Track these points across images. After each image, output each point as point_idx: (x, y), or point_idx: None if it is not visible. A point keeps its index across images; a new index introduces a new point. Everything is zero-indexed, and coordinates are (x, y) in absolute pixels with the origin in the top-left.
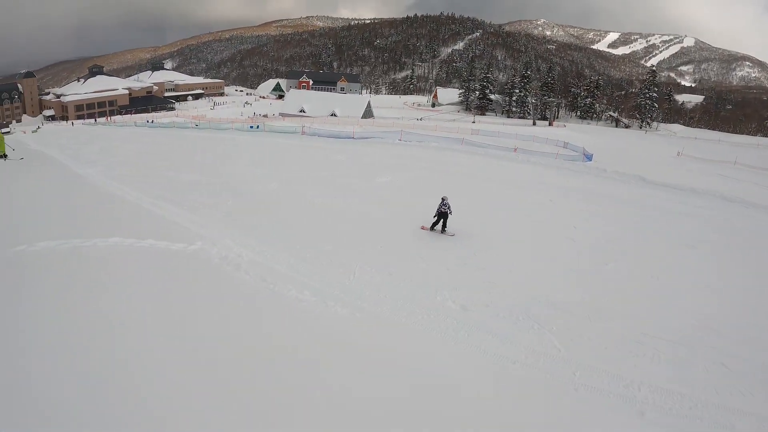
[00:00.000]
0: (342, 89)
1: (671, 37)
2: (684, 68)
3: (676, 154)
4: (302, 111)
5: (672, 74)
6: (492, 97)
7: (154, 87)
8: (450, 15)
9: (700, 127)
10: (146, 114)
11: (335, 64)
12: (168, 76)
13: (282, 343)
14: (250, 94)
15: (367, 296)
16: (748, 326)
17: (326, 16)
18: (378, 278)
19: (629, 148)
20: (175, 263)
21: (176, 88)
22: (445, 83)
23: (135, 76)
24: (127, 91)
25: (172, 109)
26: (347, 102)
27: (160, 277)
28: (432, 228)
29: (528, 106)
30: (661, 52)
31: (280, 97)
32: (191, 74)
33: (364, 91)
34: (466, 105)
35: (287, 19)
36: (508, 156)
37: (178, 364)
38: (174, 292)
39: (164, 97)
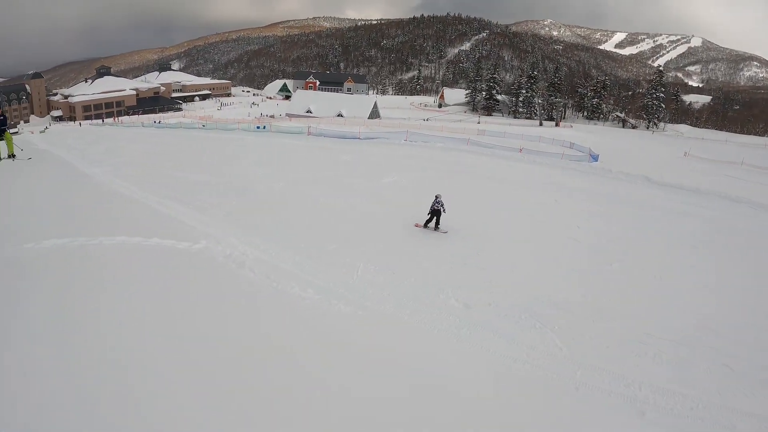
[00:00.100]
0: (349, 90)
1: (678, 37)
2: (691, 68)
3: (683, 155)
4: (309, 111)
5: (679, 74)
6: (499, 97)
7: (162, 88)
8: (457, 15)
9: (708, 128)
10: (153, 114)
11: (342, 65)
12: (175, 76)
13: (283, 342)
14: (257, 95)
15: (371, 294)
16: (751, 327)
17: (333, 17)
18: (381, 277)
19: (636, 148)
20: (180, 261)
21: (183, 88)
22: (452, 84)
23: (142, 77)
24: (134, 92)
25: (180, 109)
26: (354, 102)
27: (163, 275)
28: (425, 225)
29: (535, 106)
30: (668, 52)
31: (287, 97)
32: (198, 75)
33: (370, 92)
34: (472, 105)
35: (294, 20)
36: (514, 156)
37: (177, 364)
38: (176, 290)
39: (171, 97)
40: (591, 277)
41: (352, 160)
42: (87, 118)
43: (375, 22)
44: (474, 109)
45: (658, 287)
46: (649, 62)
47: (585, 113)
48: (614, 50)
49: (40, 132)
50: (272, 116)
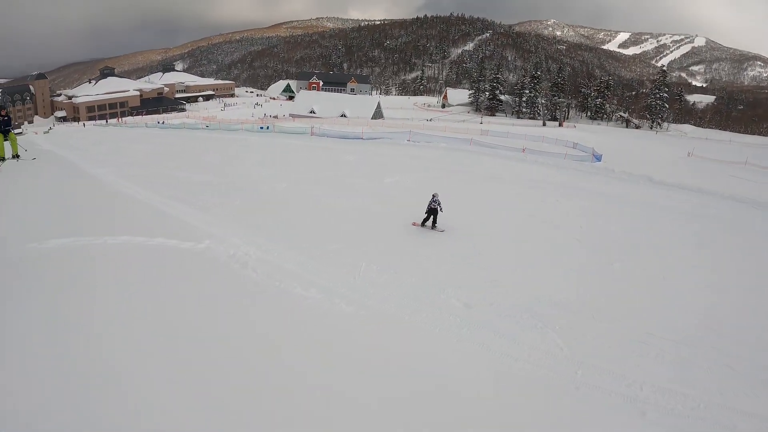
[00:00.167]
0: (352, 90)
1: (682, 37)
2: (695, 68)
3: (687, 155)
4: (312, 112)
5: (683, 74)
6: (502, 97)
7: (165, 88)
8: (460, 16)
9: (711, 128)
10: (157, 115)
11: (345, 65)
12: (179, 77)
13: (284, 342)
14: (261, 95)
15: (372, 294)
16: (753, 327)
17: (336, 18)
18: (383, 276)
19: (639, 148)
20: (183, 261)
21: (187, 89)
22: (455, 84)
23: (146, 78)
24: (138, 93)
25: (183, 110)
26: (357, 103)
27: (167, 274)
28: (423, 224)
29: (538, 106)
30: (671, 52)
31: (291, 98)
32: (202, 76)
33: (374, 92)
34: (476, 106)
35: (297, 21)
36: (517, 156)
37: (178, 364)
38: (179, 290)
39: (175, 98)
40: (592, 277)
41: (354, 161)
42: (91, 118)
43: (378, 22)
44: (477, 110)
45: (659, 287)
46: (653, 62)
47: (588, 113)
48: (618, 50)
49: (44, 132)
50: (275, 117)
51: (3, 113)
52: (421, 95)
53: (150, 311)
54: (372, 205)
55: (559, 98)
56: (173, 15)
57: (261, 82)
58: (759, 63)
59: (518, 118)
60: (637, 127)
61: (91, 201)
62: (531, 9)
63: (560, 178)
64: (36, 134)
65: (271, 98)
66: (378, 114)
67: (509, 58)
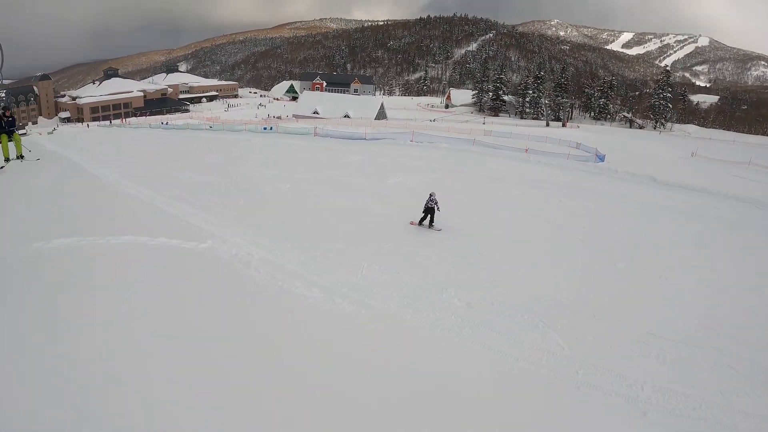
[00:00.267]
0: (355, 91)
1: (686, 36)
2: (699, 68)
3: (690, 155)
4: (316, 112)
5: (686, 74)
6: (505, 98)
7: (169, 89)
8: (463, 16)
9: (715, 128)
10: (161, 116)
11: (349, 66)
12: (182, 78)
13: (285, 342)
14: (264, 96)
15: (374, 294)
16: (755, 327)
17: (339, 18)
18: (385, 276)
19: (643, 148)
20: (186, 261)
21: (190, 90)
22: (459, 84)
23: (150, 79)
24: (141, 94)
25: (187, 111)
26: (360, 103)
27: (169, 274)
28: (420, 223)
29: (541, 107)
30: (675, 52)
31: (294, 98)
32: (205, 76)
33: (377, 93)
34: (479, 106)
35: (301, 21)
36: (520, 157)
37: (178, 364)
38: (182, 289)
39: (179, 99)
40: (594, 277)
41: (357, 161)
42: (95, 119)
43: (382, 23)
44: (481, 110)
45: (661, 287)
46: (657, 62)
47: (592, 114)
48: (621, 50)
49: (48, 133)
50: (279, 117)
51: (7, 114)
52: (424, 96)
53: (151, 311)
54: (374, 205)
55: (563, 98)
56: (176, 16)
57: (264, 83)
58: (763, 63)
59: (521, 118)
60: (641, 127)
61: (95, 201)
62: (534, 9)
63: (563, 179)
64: (40, 135)
65: (274, 99)
66: (381, 114)
67: (513, 59)
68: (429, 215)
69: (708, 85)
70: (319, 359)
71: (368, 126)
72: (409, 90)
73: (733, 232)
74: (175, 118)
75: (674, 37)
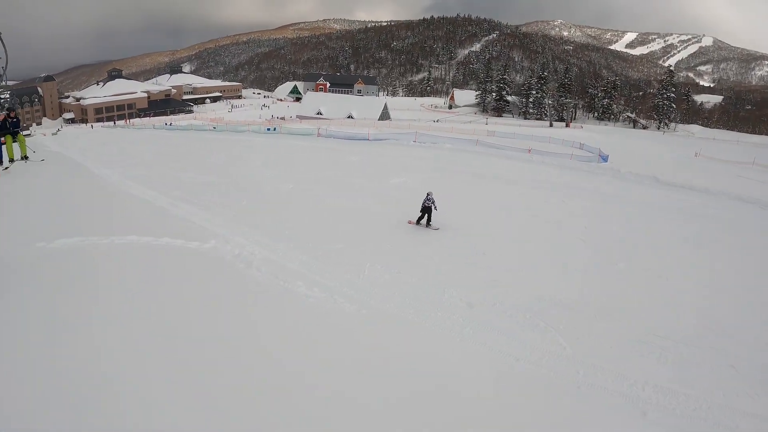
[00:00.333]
0: (359, 91)
1: (689, 36)
2: (702, 68)
3: (694, 155)
4: (319, 113)
5: (690, 74)
6: (509, 98)
7: (173, 90)
8: (466, 16)
9: (719, 128)
10: (164, 117)
11: (352, 67)
12: (186, 79)
13: (286, 342)
14: (268, 97)
15: (375, 293)
16: (756, 327)
17: (343, 19)
18: (386, 276)
19: (646, 148)
20: (189, 260)
21: (194, 91)
22: (462, 85)
23: (153, 80)
24: (145, 95)
25: (190, 111)
26: (364, 104)
27: (172, 273)
28: (418, 222)
29: (545, 107)
30: (679, 51)
31: (298, 99)
32: (209, 77)
33: (381, 94)
34: (483, 107)
35: (304, 22)
36: (523, 157)
37: (179, 363)
38: (184, 289)
39: (182, 100)
40: (596, 277)
41: (360, 162)
42: (99, 120)
43: (385, 23)
44: (484, 110)
45: (665, 287)
46: (660, 62)
47: (595, 114)
48: (625, 50)
49: (53, 134)
50: (282, 118)
51: (12, 115)
52: (428, 96)
53: (153, 311)
54: (376, 205)
55: (566, 99)
56: (180, 17)
57: (268, 84)
58: (767, 62)
59: (525, 118)
60: (645, 127)
61: (99, 201)
62: (538, 9)
63: (566, 179)
64: (44, 136)
65: (278, 100)
66: (385, 115)
67: (516, 59)
68: (426, 214)
69: (712, 85)
70: (319, 359)
71: (371, 127)
72: (412, 90)
73: (735, 232)
74: (179, 119)
75: (678, 37)
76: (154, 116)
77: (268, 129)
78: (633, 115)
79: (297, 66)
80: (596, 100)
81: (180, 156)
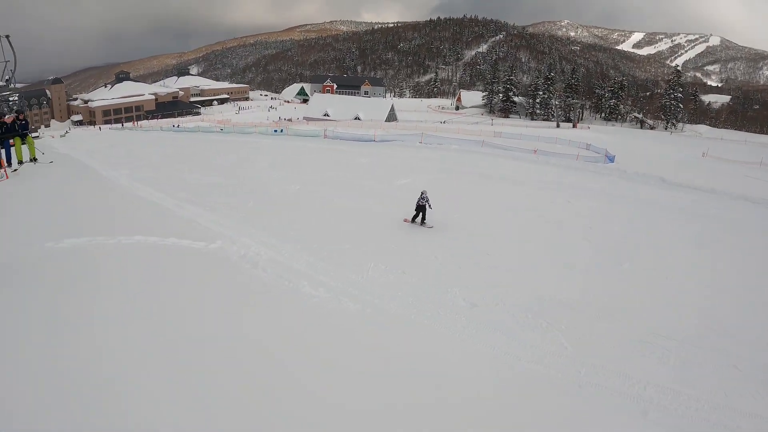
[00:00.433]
0: (366, 93)
1: (697, 36)
2: (710, 68)
3: (701, 155)
4: (326, 115)
5: (698, 74)
6: (515, 99)
7: (180, 92)
8: (473, 17)
9: (727, 128)
10: (172, 119)
11: (359, 68)
12: (193, 81)
13: (286, 342)
14: (275, 99)
15: (379, 293)
16: (758, 327)
17: (350, 21)
18: (391, 276)
19: (653, 149)
20: (195, 261)
21: (202, 93)
22: (469, 86)
23: (161, 82)
24: (153, 97)
25: (198, 113)
26: (371, 105)
27: (178, 273)
28: (413, 220)
29: (552, 108)
30: (686, 51)
31: (305, 101)
32: (216, 79)
33: (387, 95)
34: (489, 108)
35: (311, 24)
36: (529, 158)
37: (179, 363)
38: (190, 289)
39: (190, 102)
40: (599, 277)
41: (367, 163)
42: (107, 122)
43: (392, 25)
44: (491, 111)
45: (668, 287)
46: (667, 62)
47: (603, 114)
48: (632, 50)
49: (61, 136)
50: (290, 120)
51: (21, 117)
52: (434, 97)
53: (156, 311)
54: (383, 206)
55: (573, 99)
56: (187, 19)
57: (275, 86)
58: None
59: (532, 119)
60: (652, 127)
61: (107, 202)
62: (544, 10)
63: (571, 179)
64: (53, 138)
65: (285, 101)
66: (392, 116)
67: (523, 60)
68: (421, 213)
69: (719, 85)
70: (320, 359)
71: (378, 128)
72: (419, 92)
73: (740, 232)
74: (186, 121)
75: (685, 36)
76: (161, 118)
77: (275, 131)
78: (640, 116)
79: (304, 68)
80: (603, 100)
81: (187, 158)
